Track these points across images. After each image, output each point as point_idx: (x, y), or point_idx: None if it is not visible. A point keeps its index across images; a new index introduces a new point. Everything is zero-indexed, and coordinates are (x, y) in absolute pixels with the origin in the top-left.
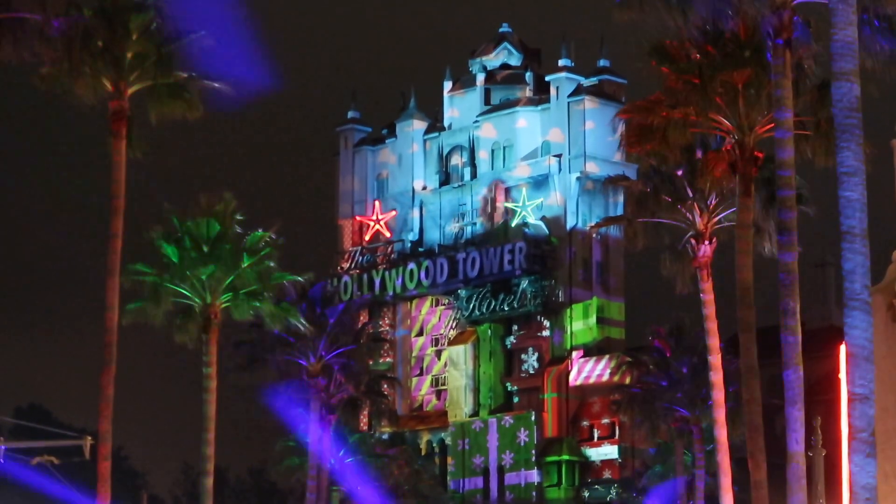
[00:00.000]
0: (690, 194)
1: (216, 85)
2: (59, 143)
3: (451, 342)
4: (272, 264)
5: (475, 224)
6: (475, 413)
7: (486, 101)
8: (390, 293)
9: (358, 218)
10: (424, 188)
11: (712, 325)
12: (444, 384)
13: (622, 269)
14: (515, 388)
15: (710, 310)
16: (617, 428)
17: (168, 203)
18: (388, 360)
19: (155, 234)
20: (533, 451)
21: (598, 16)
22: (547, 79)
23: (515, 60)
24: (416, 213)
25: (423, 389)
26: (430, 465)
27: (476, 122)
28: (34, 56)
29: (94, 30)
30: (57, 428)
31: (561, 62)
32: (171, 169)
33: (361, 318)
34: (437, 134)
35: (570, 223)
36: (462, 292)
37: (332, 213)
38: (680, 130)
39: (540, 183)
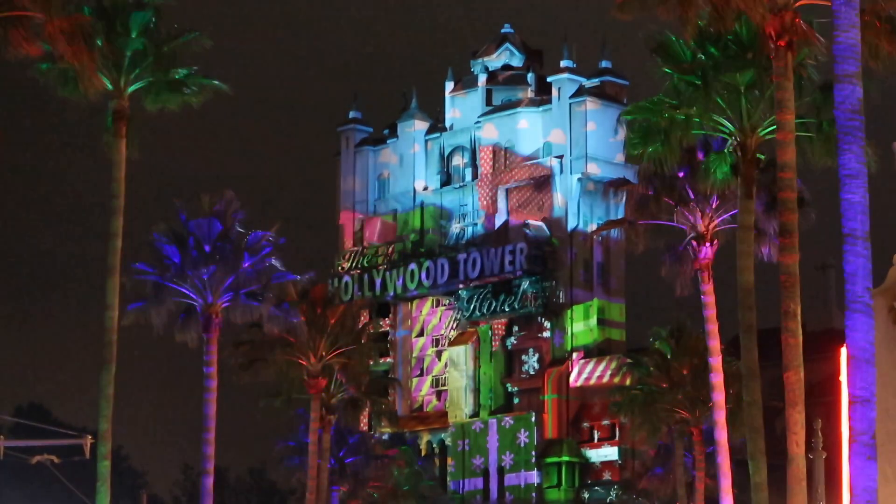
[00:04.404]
0: (692, 196)
1: (215, 82)
2: (59, 142)
3: (452, 343)
4: (274, 263)
5: (476, 224)
6: (475, 414)
7: (488, 101)
8: (391, 293)
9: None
10: (425, 188)
11: (713, 327)
12: (444, 385)
13: (623, 270)
14: (516, 388)
15: (710, 312)
16: (617, 429)
17: (176, 200)
18: (388, 360)
19: (156, 233)
20: (533, 453)
21: (600, 17)
22: (549, 80)
23: (517, 61)
24: (417, 213)
25: (423, 390)
26: (430, 465)
27: (477, 122)
28: (34, 54)
29: (93, 28)
30: (57, 427)
31: (563, 63)
32: (173, 168)
33: (362, 318)
34: (438, 134)
35: (571, 224)
36: (463, 293)
37: (333, 213)
38: (682, 131)
39: (541, 184)
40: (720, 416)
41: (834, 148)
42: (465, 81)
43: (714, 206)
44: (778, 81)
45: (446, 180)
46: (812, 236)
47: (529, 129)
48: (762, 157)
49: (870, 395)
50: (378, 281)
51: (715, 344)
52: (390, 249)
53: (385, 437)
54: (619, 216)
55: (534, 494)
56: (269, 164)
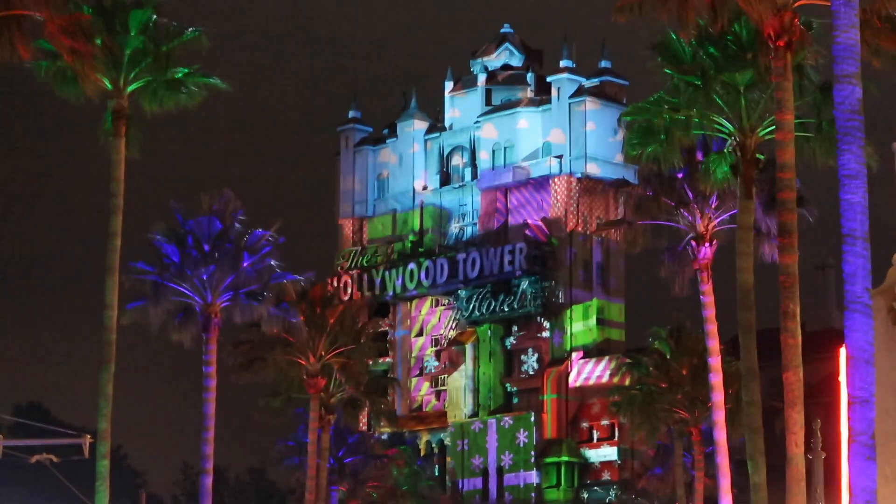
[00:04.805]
0: (691, 196)
1: (215, 81)
2: (59, 141)
3: (451, 342)
4: (273, 263)
5: (475, 224)
6: (474, 414)
7: (488, 101)
8: (390, 293)
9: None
10: (425, 188)
11: (712, 327)
12: (443, 385)
13: (622, 270)
14: (515, 388)
15: (710, 312)
16: (616, 429)
17: (174, 201)
18: (387, 360)
19: (156, 232)
20: (532, 452)
21: (599, 17)
22: (548, 79)
23: (517, 61)
24: (416, 213)
25: (422, 390)
26: (430, 465)
27: (477, 122)
28: (35, 53)
29: (93, 27)
30: (56, 426)
31: (562, 63)
32: (172, 168)
33: (361, 318)
34: (437, 134)
35: (570, 224)
36: (462, 293)
37: (333, 212)
38: (682, 131)
39: (540, 184)
40: (719, 417)
41: (834, 148)
42: (465, 81)
43: (713, 207)
44: (777, 81)
45: (446, 180)
46: (812, 236)
47: (529, 129)
48: (762, 157)
49: (869, 395)
50: (377, 281)
51: (714, 344)
52: (390, 249)
53: (384, 436)
54: (619, 216)
55: (533, 494)
56: (269, 164)
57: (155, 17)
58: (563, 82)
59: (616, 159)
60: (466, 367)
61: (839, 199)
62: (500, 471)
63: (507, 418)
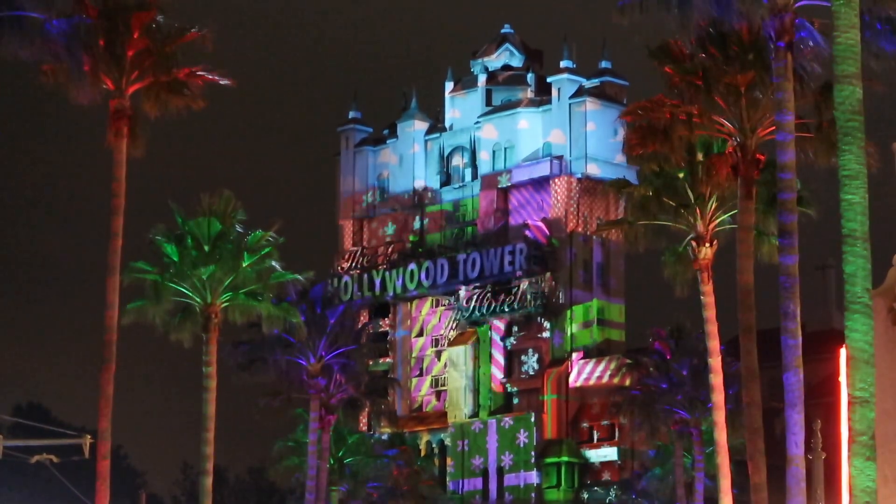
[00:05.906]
0: (692, 197)
1: (219, 80)
2: (60, 141)
3: (451, 343)
4: (273, 263)
5: (475, 225)
6: (475, 414)
7: (488, 101)
8: (391, 293)
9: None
10: (425, 189)
11: (712, 328)
12: (443, 385)
13: (623, 270)
14: (515, 389)
15: (710, 312)
16: (616, 430)
17: (173, 202)
18: (388, 360)
19: (156, 233)
20: (532, 453)
21: (600, 17)
22: (548, 80)
23: (517, 61)
24: (416, 213)
25: (422, 390)
26: (430, 465)
27: (477, 122)
28: (37, 54)
29: (95, 28)
30: (56, 426)
31: (563, 63)
32: (173, 168)
33: (361, 318)
34: (438, 134)
35: (570, 225)
36: (462, 293)
37: (333, 213)
38: (682, 132)
39: (541, 184)
40: (719, 417)
41: (834, 148)
42: (465, 81)
43: (714, 207)
44: (778, 82)
45: (446, 180)
46: (812, 236)
47: (529, 130)
48: (762, 157)
49: (869, 395)
50: (378, 281)
51: (714, 344)
52: (390, 249)
53: (384, 436)
54: (620, 216)
55: (533, 495)
56: (269, 164)
57: (157, 17)
58: (563, 83)
59: (616, 159)
60: (467, 367)
61: (839, 199)
62: (501, 471)
63: (507, 419)
